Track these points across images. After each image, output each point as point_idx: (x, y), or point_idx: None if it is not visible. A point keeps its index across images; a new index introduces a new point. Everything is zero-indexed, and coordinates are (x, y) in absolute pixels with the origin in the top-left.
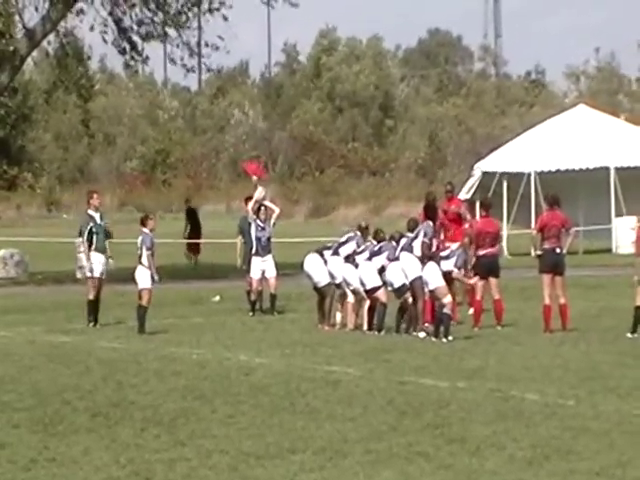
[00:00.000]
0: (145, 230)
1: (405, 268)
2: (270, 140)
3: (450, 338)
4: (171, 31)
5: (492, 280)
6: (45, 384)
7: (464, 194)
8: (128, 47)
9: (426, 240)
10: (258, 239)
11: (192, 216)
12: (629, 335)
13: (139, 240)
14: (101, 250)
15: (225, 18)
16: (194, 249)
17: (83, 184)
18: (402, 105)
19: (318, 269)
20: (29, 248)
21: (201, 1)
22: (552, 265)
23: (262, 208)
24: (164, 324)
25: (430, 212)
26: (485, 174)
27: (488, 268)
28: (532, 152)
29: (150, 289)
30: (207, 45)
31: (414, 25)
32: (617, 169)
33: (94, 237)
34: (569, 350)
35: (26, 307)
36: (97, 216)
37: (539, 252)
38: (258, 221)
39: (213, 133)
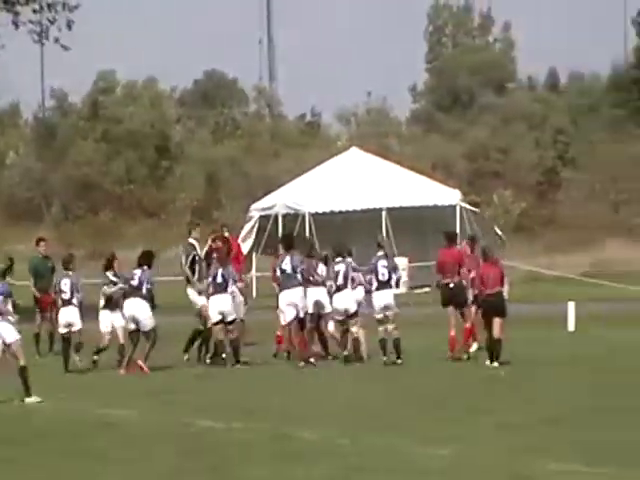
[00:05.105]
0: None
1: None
2: (45, 182)
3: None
4: None
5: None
6: None
7: (241, 238)
8: None
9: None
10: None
11: None
12: (495, 364)
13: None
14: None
15: None
16: None
17: None
18: (178, 147)
19: None
20: None
21: None
22: (449, 297)
23: None
24: None
25: (289, 242)
26: (261, 216)
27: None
28: (307, 194)
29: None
30: None
31: (190, 67)
32: (388, 210)
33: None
34: (346, 388)
35: None
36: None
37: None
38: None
39: None
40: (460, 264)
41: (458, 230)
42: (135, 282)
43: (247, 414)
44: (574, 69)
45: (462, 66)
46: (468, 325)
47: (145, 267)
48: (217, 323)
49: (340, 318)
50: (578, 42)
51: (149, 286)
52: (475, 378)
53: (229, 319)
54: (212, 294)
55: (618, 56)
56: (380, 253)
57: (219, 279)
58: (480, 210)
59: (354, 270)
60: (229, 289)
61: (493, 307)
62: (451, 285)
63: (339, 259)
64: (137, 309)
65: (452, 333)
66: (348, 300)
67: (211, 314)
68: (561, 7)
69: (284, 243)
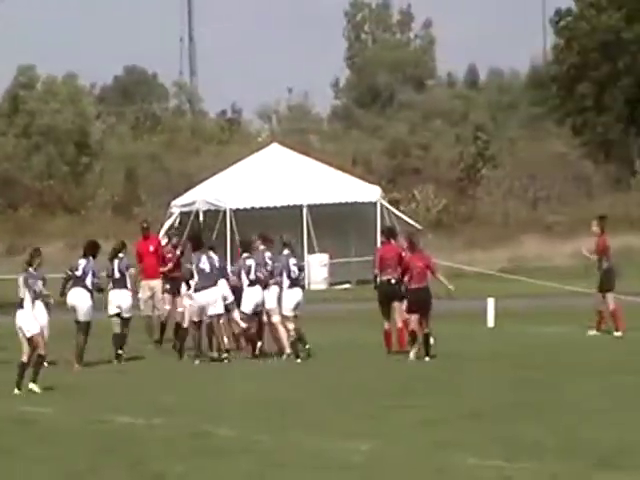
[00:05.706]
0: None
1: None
2: None
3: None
4: None
5: None
6: None
7: (163, 233)
8: None
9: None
10: None
11: None
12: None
13: None
14: None
15: None
16: None
17: None
18: (98, 143)
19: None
20: None
21: None
22: (389, 294)
23: None
24: None
25: (198, 242)
26: (182, 212)
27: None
28: (228, 190)
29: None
30: None
31: (110, 62)
32: (309, 207)
33: None
34: (266, 385)
35: None
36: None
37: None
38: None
39: None
40: (400, 259)
41: (379, 226)
42: (79, 272)
43: (167, 411)
44: (493, 66)
45: (382, 63)
46: (400, 325)
47: (90, 257)
48: (113, 316)
49: (254, 310)
50: (498, 39)
51: (95, 279)
52: (398, 374)
53: (126, 316)
54: (112, 289)
55: (537, 54)
56: (286, 252)
57: (117, 275)
58: (401, 209)
59: (273, 262)
60: (129, 284)
61: (418, 302)
62: (392, 281)
63: (246, 255)
64: (78, 299)
65: (387, 327)
66: (261, 294)
67: (109, 307)
68: (481, 5)
69: (193, 243)
